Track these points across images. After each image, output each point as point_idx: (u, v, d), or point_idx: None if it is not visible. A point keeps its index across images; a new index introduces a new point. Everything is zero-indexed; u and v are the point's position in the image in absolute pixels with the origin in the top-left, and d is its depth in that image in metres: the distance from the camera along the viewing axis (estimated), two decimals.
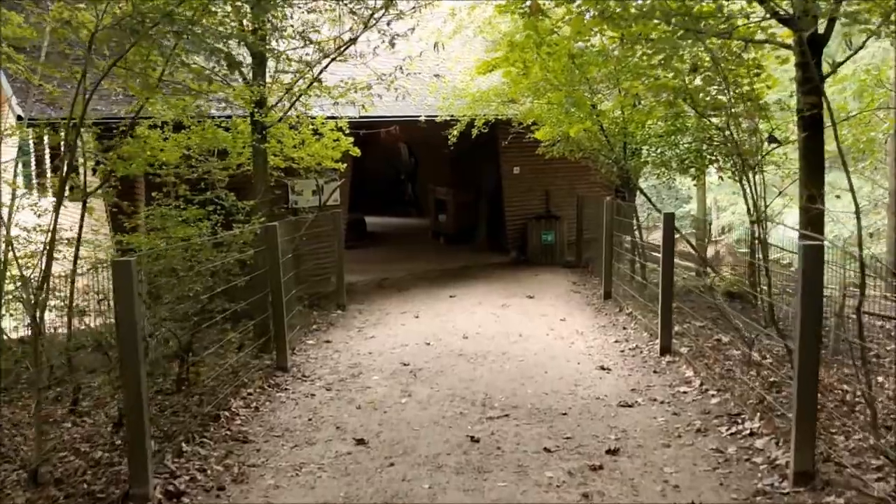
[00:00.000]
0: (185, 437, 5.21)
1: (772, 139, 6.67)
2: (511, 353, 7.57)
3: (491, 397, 6.16)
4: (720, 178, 10.94)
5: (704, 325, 8.36)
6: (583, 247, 13.41)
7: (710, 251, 19.44)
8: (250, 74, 7.49)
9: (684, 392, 6.05)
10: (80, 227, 6.12)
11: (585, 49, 9.65)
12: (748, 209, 9.70)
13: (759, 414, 5.15)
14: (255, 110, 7.42)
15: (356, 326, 9.24)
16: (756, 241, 9.70)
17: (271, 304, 7.19)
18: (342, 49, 7.61)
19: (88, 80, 5.06)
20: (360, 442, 5.23)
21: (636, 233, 10.85)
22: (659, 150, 10.85)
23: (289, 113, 8.55)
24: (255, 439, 5.39)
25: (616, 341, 8.01)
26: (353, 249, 14.64)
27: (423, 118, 11.16)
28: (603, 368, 6.94)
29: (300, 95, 7.57)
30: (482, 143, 12.73)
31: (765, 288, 7.23)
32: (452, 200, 15.21)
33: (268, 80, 7.67)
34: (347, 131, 9.21)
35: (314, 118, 8.87)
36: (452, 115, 11.14)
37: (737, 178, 10.58)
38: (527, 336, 8.30)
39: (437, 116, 11.18)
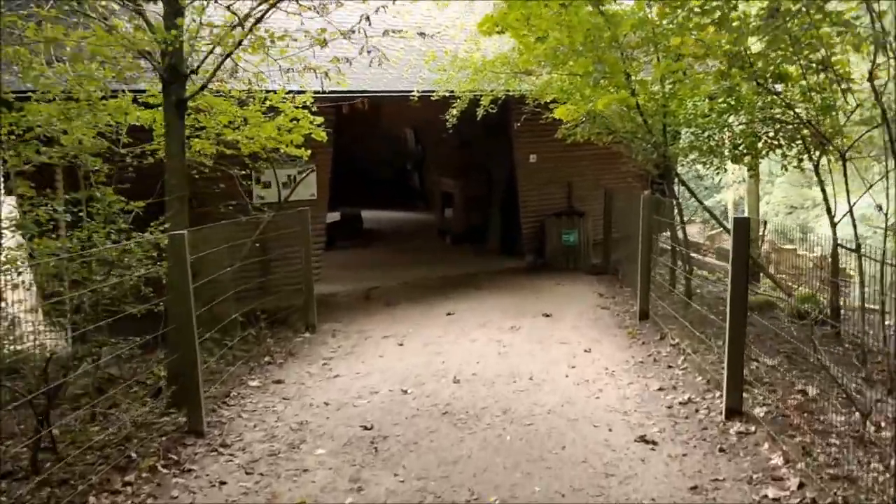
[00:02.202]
0: None
1: None
2: (515, 409, 5.50)
3: (479, 498, 4.12)
4: (783, 167, 8.77)
5: (778, 366, 6.24)
6: (611, 248, 11.27)
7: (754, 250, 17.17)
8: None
9: (774, 500, 3.95)
10: None
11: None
12: (827, 208, 7.62)
13: None
14: (168, 76, 5.39)
15: (322, 357, 7.22)
16: (840, 252, 7.60)
17: (178, 344, 5.18)
18: None
19: None
20: None
21: (679, 235, 8.73)
22: (707, 134, 8.70)
23: (230, 84, 6.58)
24: None
25: (660, 389, 5.92)
26: (344, 250, 12.68)
27: (415, 94, 9.05)
28: (645, 441, 4.85)
29: (228, 55, 5.52)
30: (493, 125, 10.63)
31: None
32: (460, 193, 13.09)
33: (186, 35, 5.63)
34: (314, 109, 7.20)
35: (270, 92, 6.88)
36: (452, 92, 9.02)
37: (801, 167, 8.52)
38: (539, 379, 6.22)
39: (432, 93, 9.05)
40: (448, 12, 11.77)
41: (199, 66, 5.54)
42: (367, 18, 5.78)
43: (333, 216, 13.68)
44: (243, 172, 7.16)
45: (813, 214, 27.77)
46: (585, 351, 7.10)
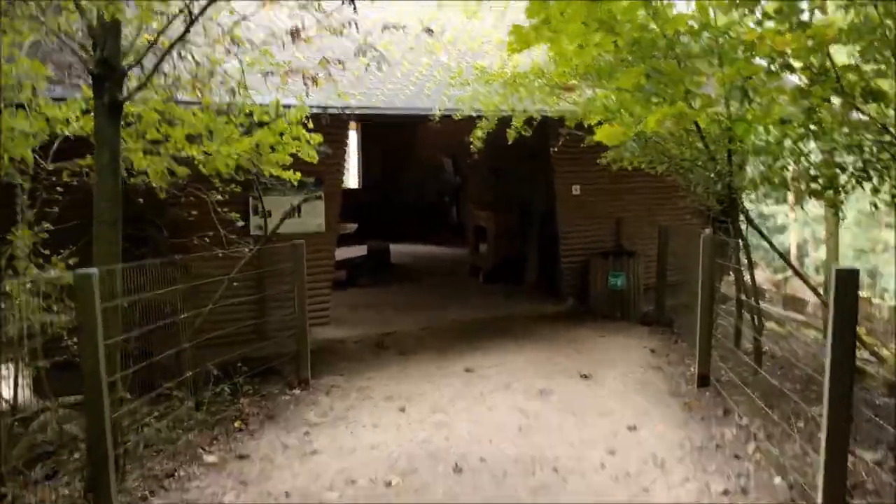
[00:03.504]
0: None
1: None
2: None
3: None
4: (873, 205, 7.19)
5: (882, 462, 4.74)
6: (665, 295, 9.78)
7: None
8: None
9: None
10: None
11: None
12: None
13: None
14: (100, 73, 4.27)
15: (306, 423, 5.94)
16: None
17: (86, 422, 3.98)
18: None
19: None
20: None
21: (748, 283, 7.24)
22: (780, 164, 7.23)
23: (212, 95, 5.45)
24: None
25: (725, 492, 4.47)
26: (366, 288, 11.48)
27: (436, 113, 7.80)
28: None
29: (173, 45, 4.38)
30: (530, 151, 9.36)
31: None
32: (493, 227, 11.76)
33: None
34: (310, 126, 6.02)
35: (254, 104, 5.72)
36: (479, 111, 7.76)
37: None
38: (566, 470, 4.81)
39: (455, 111, 7.80)
40: (484, 25, 10.60)
41: (139, 60, 4.40)
42: (352, 2, 4.58)
43: (360, 250, 12.54)
44: (219, 197, 6.00)
45: (883, 259, 25.76)
46: (629, 428, 5.67)
